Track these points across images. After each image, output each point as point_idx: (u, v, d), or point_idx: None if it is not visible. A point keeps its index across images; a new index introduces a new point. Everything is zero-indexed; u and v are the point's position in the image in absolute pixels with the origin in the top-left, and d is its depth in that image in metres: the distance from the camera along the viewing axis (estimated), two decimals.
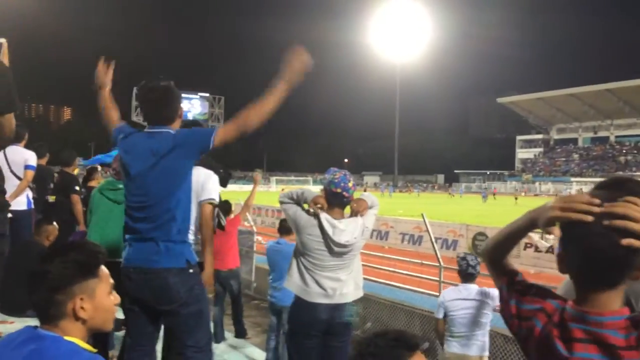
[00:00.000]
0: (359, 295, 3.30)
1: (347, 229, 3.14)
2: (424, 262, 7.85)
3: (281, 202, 3.35)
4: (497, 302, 3.93)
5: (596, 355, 1.17)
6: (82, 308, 1.45)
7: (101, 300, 1.50)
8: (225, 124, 2.78)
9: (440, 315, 4.15)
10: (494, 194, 60.16)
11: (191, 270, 2.76)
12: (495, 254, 1.46)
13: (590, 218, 1.13)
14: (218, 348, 5.68)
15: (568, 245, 1.22)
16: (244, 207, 6.73)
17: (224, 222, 3.87)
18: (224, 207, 6.36)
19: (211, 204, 3.19)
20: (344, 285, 3.19)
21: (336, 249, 3.13)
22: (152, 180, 2.71)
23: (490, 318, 4.02)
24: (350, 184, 3.20)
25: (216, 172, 3.43)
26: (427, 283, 7.06)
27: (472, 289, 4.05)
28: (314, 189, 3.66)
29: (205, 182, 3.20)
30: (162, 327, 3.12)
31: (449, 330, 4.07)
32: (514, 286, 1.41)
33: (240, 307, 6.27)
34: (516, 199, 51.39)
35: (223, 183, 3.60)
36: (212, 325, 5.88)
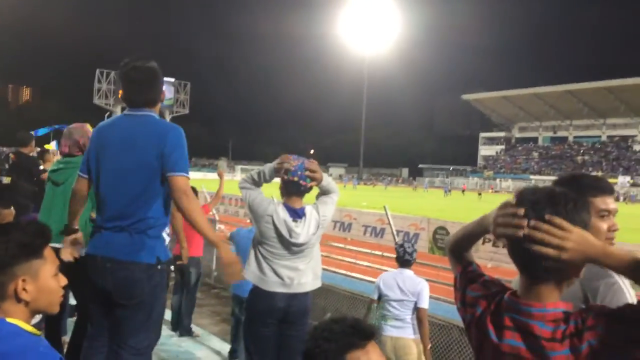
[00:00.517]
0: (317, 286, 3.29)
1: (302, 231, 3.13)
2: (384, 254, 7.92)
3: (241, 188, 3.28)
4: (423, 291, 4.11)
5: (521, 344, 1.24)
6: (24, 290, 1.41)
7: (45, 281, 1.46)
8: (186, 192, 2.56)
9: (375, 296, 4.35)
10: (462, 190, 61.17)
11: (159, 267, 2.66)
12: (454, 249, 1.61)
13: (520, 234, 1.25)
14: (175, 337, 5.61)
15: (508, 242, 1.32)
16: (215, 199, 6.64)
17: None
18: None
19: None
20: (302, 274, 3.19)
21: (293, 248, 3.15)
22: (131, 171, 2.62)
23: (418, 303, 4.16)
24: (307, 172, 3.16)
25: None
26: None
27: (407, 274, 4.24)
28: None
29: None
30: None
31: (383, 313, 4.23)
32: (465, 275, 1.52)
33: (193, 301, 5.94)
34: (480, 194, 52.46)
35: None
36: (170, 314, 5.82)
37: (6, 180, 6.33)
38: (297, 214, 3.17)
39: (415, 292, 4.13)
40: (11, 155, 6.54)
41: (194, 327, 5.85)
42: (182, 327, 5.70)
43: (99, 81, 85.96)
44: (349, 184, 69.40)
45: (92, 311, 2.86)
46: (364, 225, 15.23)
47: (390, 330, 4.14)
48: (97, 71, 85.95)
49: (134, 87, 2.75)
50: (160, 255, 2.65)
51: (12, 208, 4.91)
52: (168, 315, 5.81)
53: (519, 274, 1.33)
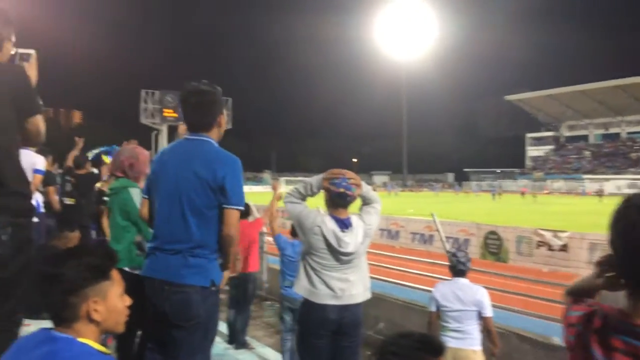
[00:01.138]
0: (367, 297, 3.30)
1: (350, 240, 3.15)
2: (435, 261, 7.81)
3: (287, 202, 3.33)
4: (484, 299, 3.97)
5: None
6: (95, 310, 1.46)
7: (113, 302, 1.52)
8: (235, 226, 2.70)
9: (433, 309, 4.19)
10: (522, 193, 57.33)
11: (213, 289, 2.70)
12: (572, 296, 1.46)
13: None
14: (232, 350, 5.69)
15: (616, 241, 1.18)
16: (267, 212, 6.67)
17: None
18: (244, 209, 6.33)
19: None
20: (352, 285, 3.20)
21: (343, 258, 3.16)
22: (187, 195, 2.66)
23: (482, 313, 4.02)
24: (351, 182, 3.21)
25: None
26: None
27: (463, 282, 4.11)
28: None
29: None
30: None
31: (442, 324, 4.11)
32: (575, 302, 1.39)
33: (248, 315, 6.02)
34: (535, 196, 50.49)
35: None
36: (226, 327, 5.91)
37: (69, 201, 6.58)
38: (345, 224, 3.20)
39: (476, 302, 4.00)
40: (71, 179, 6.80)
41: (248, 339, 5.92)
42: (237, 341, 5.77)
43: (145, 101, 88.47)
44: (393, 191, 68.83)
45: (150, 331, 2.93)
46: (412, 233, 15.11)
47: (450, 342, 4.00)
48: (142, 91, 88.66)
49: (190, 111, 2.79)
50: (214, 278, 2.68)
51: (77, 231, 5.10)
52: (223, 327, 5.90)
53: (628, 291, 1.19)
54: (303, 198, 3.32)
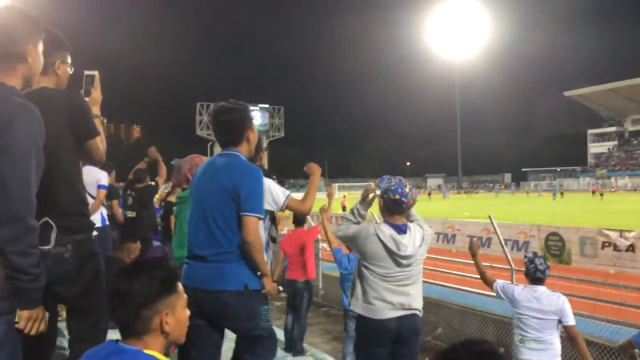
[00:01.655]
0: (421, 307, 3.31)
1: (409, 242, 3.16)
2: (494, 265, 7.61)
3: (339, 235, 3.41)
4: (565, 307, 3.77)
5: None
6: (166, 322, 1.52)
7: (180, 314, 1.58)
8: (253, 233, 2.71)
9: (503, 296, 4.08)
10: (593, 192, 53.42)
11: (249, 293, 2.72)
12: None
13: None
14: (290, 357, 5.73)
15: None
16: (324, 220, 6.69)
17: (275, 234, 3.84)
18: (298, 217, 6.40)
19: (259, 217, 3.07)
20: (412, 299, 3.20)
21: (402, 262, 3.15)
22: (210, 205, 2.77)
23: (564, 322, 3.82)
24: (407, 189, 3.21)
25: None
26: None
27: (542, 290, 3.90)
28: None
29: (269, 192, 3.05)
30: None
31: (521, 334, 3.92)
32: None
33: (305, 323, 6.05)
34: (601, 195, 47.63)
35: None
36: (283, 334, 5.97)
37: (131, 214, 6.85)
38: (401, 229, 3.20)
39: (557, 310, 3.79)
40: (132, 192, 7.05)
41: (305, 346, 5.95)
42: (295, 348, 5.81)
43: (200, 113, 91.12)
44: (448, 194, 67.65)
45: (193, 334, 2.97)
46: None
47: (529, 354, 3.83)
48: (198, 104, 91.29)
49: (217, 129, 2.95)
50: (247, 282, 2.72)
51: (138, 242, 5.31)
52: (281, 335, 5.97)
53: None
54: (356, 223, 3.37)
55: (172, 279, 1.57)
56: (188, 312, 1.63)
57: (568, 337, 3.84)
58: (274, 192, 3.04)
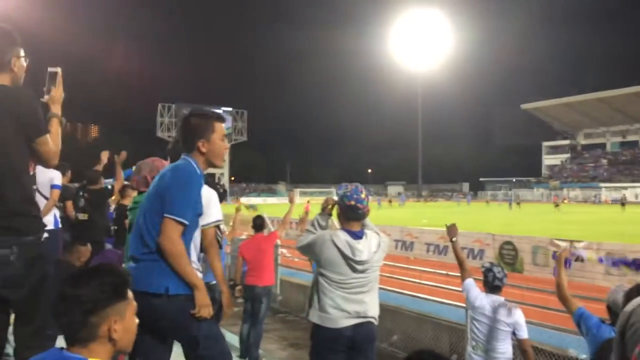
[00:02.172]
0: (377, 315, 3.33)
1: (364, 248, 3.19)
2: (449, 273, 7.74)
3: (299, 248, 3.43)
4: (520, 320, 3.81)
5: None
6: (115, 330, 1.48)
7: (129, 321, 1.54)
8: (168, 237, 2.58)
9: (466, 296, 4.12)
10: (556, 204, 52.44)
11: (177, 298, 2.60)
12: None
13: None
14: None
15: None
16: (282, 224, 6.70)
17: (221, 240, 3.82)
18: (257, 222, 6.37)
19: (217, 226, 3.13)
20: (368, 307, 3.22)
21: (358, 267, 3.16)
22: (143, 206, 2.76)
23: (518, 335, 3.87)
24: (362, 195, 3.24)
25: (214, 189, 3.44)
26: (454, 294, 6.95)
27: (499, 301, 3.95)
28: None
29: (208, 205, 2.97)
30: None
31: (472, 340, 3.99)
32: None
33: (261, 330, 5.99)
34: (557, 205, 48.09)
35: (220, 200, 3.56)
36: (239, 341, 5.91)
37: (83, 216, 6.66)
38: (357, 235, 3.23)
39: (511, 322, 3.82)
40: (84, 194, 6.86)
41: (261, 352, 5.91)
42: (250, 355, 5.76)
43: (161, 115, 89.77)
44: (407, 201, 68.54)
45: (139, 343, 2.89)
46: (427, 243, 15.00)
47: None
48: (159, 105, 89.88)
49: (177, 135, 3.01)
50: (169, 286, 2.58)
51: (89, 245, 5.16)
52: (236, 341, 5.90)
53: None
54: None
55: (122, 285, 1.53)
56: (137, 320, 1.59)
57: (520, 349, 3.89)
58: (210, 210, 2.99)
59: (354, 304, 3.17)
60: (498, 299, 3.97)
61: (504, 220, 31.36)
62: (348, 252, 3.14)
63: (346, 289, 3.17)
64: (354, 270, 3.16)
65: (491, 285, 4.01)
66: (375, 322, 3.29)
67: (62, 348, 1.47)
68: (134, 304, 1.59)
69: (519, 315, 3.86)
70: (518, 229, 21.97)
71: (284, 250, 10.61)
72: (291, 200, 6.85)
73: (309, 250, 3.35)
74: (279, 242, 10.25)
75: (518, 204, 54.74)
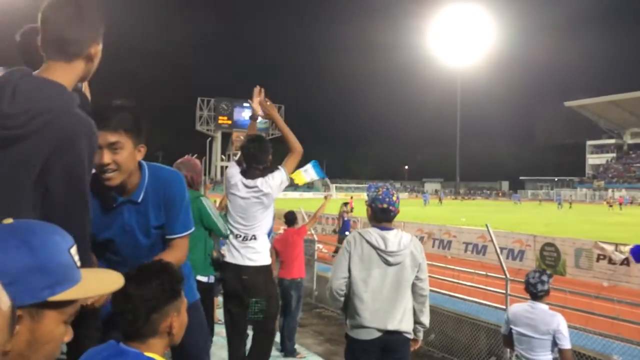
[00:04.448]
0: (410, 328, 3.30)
1: (395, 239, 3.18)
2: (489, 273, 7.63)
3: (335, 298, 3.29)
4: (561, 328, 3.62)
5: None
6: (173, 326, 1.55)
7: (184, 317, 1.61)
8: None
9: (504, 331, 3.98)
10: (610, 205, 50.77)
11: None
12: None
13: None
14: (282, 358, 5.74)
15: None
16: (312, 219, 6.84)
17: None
18: (289, 217, 6.46)
19: None
20: (400, 323, 3.20)
21: (390, 259, 3.14)
22: None
23: (559, 345, 3.68)
24: (394, 198, 3.23)
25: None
26: (493, 295, 6.85)
27: (540, 308, 3.78)
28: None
29: None
30: None
31: (515, 350, 3.86)
32: None
33: (294, 323, 6.03)
34: (611, 206, 47.43)
35: None
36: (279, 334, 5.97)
37: None
38: (388, 229, 3.22)
39: (551, 330, 3.64)
40: None
41: (298, 347, 5.95)
42: (285, 349, 5.82)
43: (200, 108, 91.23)
44: (445, 198, 67.62)
45: None
46: (465, 243, 14.80)
47: None
48: (198, 99, 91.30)
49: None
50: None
51: None
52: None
53: None
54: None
55: (179, 282, 1.59)
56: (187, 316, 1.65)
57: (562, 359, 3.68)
58: None
59: (386, 319, 3.14)
60: (540, 306, 3.79)
61: (553, 220, 30.58)
62: (380, 244, 3.13)
63: (377, 296, 3.15)
64: (387, 263, 3.14)
65: (533, 292, 3.82)
66: (409, 336, 3.26)
67: (118, 341, 1.52)
68: (186, 300, 1.64)
69: (558, 323, 3.66)
70: (559, 230, 21.41)
71: (320, 246, 10.66)
72: (326, 198, 7.00)
73: (344, 266, 3.21)
74: (315, 237, 10.34)
75: (570, 204, 53.23)
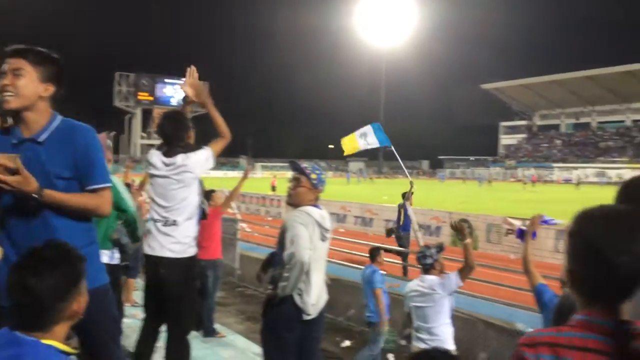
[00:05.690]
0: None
1: (327, 216, 3.30)
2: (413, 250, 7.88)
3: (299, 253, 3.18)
4: (451, 287, 3.85)
5: None
6: (80, 306, 1.51)
7: (85, 295, 1.55)
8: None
9: (406, 308, 4.17)
10: (533, 182, 56.62)
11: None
12: None
13: None
14: (201, 338, 5.67)
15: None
16: (229, 197, 6.53)
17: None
18: (207, 195, 6.29)
19: None
20: (323, 291, 3.32)
21: (327, 235, 3.24)
22: None
23: (450, 308, 3.94)
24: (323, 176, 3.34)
25: None
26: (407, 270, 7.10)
27: (428, 279, 3.99)
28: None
29: None
30: None
31: (414, 325, 4.05)
32: None
33: (212, 303, 5.94)
34: (525, 184, 51.64)
35: None
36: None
37: None
38: (319, 207, 3.29)
39: (439, 291, 3.86)
40: None
41: (219, 327, 5.91)
42: (204, 329, 5.75)
43: (119, 84, 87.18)
44: (367, 178, 69.36)
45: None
46: (386, 220, 15.22)
47: (421, 343, 3.89)
48: (116, 74, 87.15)
49: None
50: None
51: None
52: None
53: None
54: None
55: (81, 265, 1.51)
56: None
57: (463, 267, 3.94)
58: None
59: (319, 288, 3.23)
60: (431, 277, 3.99)
61: (461, 198, 32.00)
62: (323, 222, 3.19)
63: (317, 268, 3.20)
64: (324, 239, 3.23)
65: (423, 264, 4.08)
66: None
67: (12, 329, 1.42)
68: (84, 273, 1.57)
69: (447, 280, 3.90)
70: (474, 207, 22.49)
71: (244, 225, 10.58)
72: (245, 173, 6.78)
73: (307, 237, 3.12)
74: (239, 216, 10.23)
75: (490, 182, 56.70)
